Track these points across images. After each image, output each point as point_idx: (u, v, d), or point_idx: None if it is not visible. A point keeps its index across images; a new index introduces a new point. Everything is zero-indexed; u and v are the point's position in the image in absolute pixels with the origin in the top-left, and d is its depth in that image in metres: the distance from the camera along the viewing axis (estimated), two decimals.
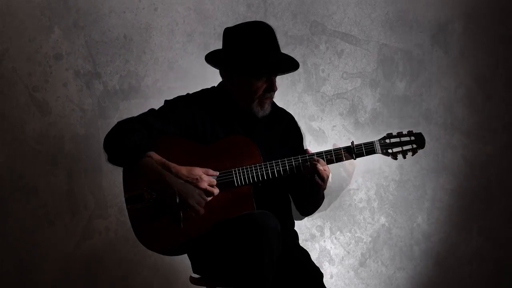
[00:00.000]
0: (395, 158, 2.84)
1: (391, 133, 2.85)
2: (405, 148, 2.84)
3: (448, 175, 4.01)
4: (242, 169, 2.77)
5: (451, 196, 4.02)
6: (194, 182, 2.70)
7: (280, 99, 3.78)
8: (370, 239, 3.94)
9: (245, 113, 2.89)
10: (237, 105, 2.88)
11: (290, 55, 3.71)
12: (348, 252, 3.92)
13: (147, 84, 3.66)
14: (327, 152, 2.80)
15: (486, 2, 4.01)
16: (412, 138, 2.85)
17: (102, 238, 3.65)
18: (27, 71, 3.55)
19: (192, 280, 2.92)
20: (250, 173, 2.77)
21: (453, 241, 4.03)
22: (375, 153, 2.82)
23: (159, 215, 2.76)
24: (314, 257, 3.86)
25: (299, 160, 2.79)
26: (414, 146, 2.84)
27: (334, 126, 3.89)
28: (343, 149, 2.81)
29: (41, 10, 3.54)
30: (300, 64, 3.82)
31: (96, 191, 3.63)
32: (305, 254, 2.86)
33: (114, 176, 3.53)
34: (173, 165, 2.72)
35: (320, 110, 3.87)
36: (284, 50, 3.76)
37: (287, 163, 2.79)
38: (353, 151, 2.80)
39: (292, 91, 3.83)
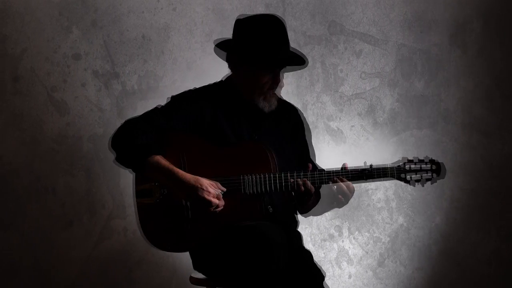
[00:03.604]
0: (413, 185, 2.83)
1: (412, 160, 2.82)
2: (424, 176, 2.81)
3: (467, 175, 4.00)
4: (253, 177, 2.75)
5: (469, 196, 4.01)
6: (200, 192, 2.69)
7: (298, 99, 3.78)
8: (388, 239, 3.93)
9: (253, 108, 2.86)
10: (243, 98, 2.86)
11: (308, 55, 3.76)
12: (367, 252, 3.91)
13: (165, 84, 3.66)
14: (345, 172, 2.78)
15: (504, 2, 4.00)
16: (433, 166, 2.83)
17: (120, 238, 3.65)
18: (45, 71, 3.55)
19: (192, 280, 2.92)
20: (259, 183, 2.74)
21: (472, 241, 4.02)
22: (390, 177, 2.80)
23: (166, 212, 2.77)
24: (332, 257, 3.86)
25: (315, 176, 2.76)
26: (435, 175, 2.82)
27: (352, 126, 3.88)
28: (360, 171, 2.78)
29: (60, 10, 3.54)
30: (319, 64, 3.84)
31: (114, 191, 3.63)
32: (307, 255, 2.86)
33: (132, 176, 3.52)
34: (178, 171, 2.71)
35: (338, 110, 3.87)
36: (303, 49, 3.77)
37: (296, 177, 2.76)
38: (372, 174, 2.78)
39: (311, 91, 3.83)
